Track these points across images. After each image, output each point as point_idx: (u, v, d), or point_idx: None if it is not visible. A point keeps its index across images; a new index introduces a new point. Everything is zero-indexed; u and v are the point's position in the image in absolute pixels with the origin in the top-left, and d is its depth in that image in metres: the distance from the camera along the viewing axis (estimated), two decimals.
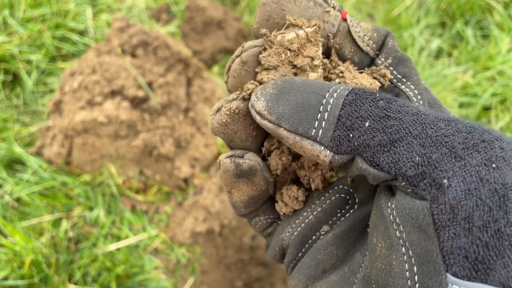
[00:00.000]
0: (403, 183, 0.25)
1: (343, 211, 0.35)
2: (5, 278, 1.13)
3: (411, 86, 0.34)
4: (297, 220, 0.37)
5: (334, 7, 0.33)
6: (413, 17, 1.82)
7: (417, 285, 0.24)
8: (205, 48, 1.74)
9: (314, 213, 0.36)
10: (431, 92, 0.35)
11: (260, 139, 0.37)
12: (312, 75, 0.33)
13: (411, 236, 0.24)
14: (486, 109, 1.61)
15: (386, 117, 0.26)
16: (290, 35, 0.32)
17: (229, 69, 0.34)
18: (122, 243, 1.29)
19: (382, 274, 0.27)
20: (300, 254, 0.37)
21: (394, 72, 0.34)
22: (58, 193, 1.35)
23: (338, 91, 0.28)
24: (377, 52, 0.35)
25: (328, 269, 0.34)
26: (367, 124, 0.27)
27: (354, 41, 0.34)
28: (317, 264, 0.35)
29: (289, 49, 0.32)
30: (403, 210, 0.25)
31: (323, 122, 0.28)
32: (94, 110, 1.32)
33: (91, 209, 1.36)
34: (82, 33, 1.70)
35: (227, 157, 0.34)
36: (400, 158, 0.25)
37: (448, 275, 0.22)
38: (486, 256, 0.22)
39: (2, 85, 1.53)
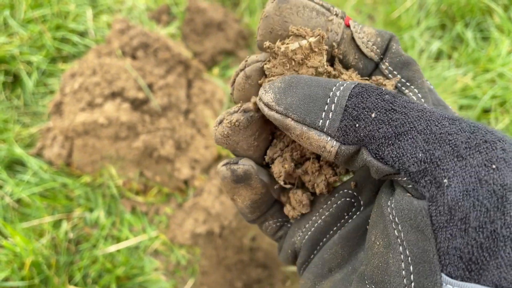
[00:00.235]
0: (405, 178, 0.25)
1: (349, 213, 0.36)
2: (6, 279, 1.13)
3: (415, 90, 0.34)
4: (307, 225, 0.38)
5: (337, 15, 0.33)
6: (413, 19, 1.82)
7: (412, 283, 0.24)
8: (205, 50, 1.74)
9: (323, 217, 0.37)
10: (436, 93, 0.36)
11: (263, 148, 0.38)
12: None
13: (409, 236, 0.25)
14: (486, 111, 1.61)
15: (392, 110, 0.27)
16: (293, 45, 0.32)
17: (233, 82, 0.35)
18: (122, 245, 1.29)
19: (378, 272, 0.27)
20: (312, 256, 0.38)
21: (398, 76, 0.35)
22: (58, 194, 1.35)
23: (344, 85, 0.29)
24: (381, 56, 0.35)
25: (334, 268, 0.35)
26: (373, 115, 0.27)
27: (358, 47, 0.34)
28: (324, 263, 0.36)
29: (293, 59, 0.32)
30: (402, 210, 0.25)
31: (330, 113, 0.28)
32: (94, 112, 1.32)
33: (91, 210, 1.36)
34: (82, 34, 1.70)
35: (223, 165, 0.36)
36: (404, 153, 0.25)
37: (443, 275, 0.23)
38: (480, 257, 0.22)
39: (2, 86, 1.54)
